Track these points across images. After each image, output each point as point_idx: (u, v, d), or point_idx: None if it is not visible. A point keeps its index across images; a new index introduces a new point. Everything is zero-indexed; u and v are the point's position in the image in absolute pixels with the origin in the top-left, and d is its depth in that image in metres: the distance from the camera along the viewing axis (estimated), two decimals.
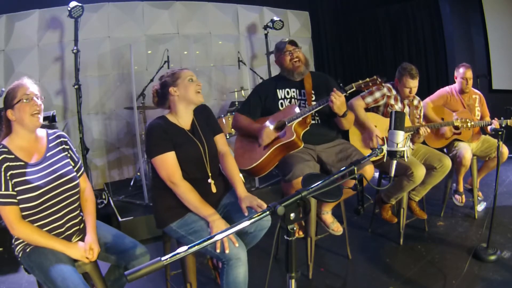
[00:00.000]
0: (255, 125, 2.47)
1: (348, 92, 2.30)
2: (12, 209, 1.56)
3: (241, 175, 2.25)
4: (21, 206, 1.58)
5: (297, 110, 2.38)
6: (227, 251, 1.66)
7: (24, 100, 1.63)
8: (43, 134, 1.77)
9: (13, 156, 1.60)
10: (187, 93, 1.92)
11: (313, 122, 2.45)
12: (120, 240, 1.81)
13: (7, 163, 1.57)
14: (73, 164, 1.79)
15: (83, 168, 1.87)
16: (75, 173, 1.77)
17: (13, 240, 1.67)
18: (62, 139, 1.81)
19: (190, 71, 2.00)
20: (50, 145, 1.75)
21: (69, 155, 1.80)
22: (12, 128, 1.66)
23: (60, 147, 1.78)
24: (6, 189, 1.56)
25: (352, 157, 2.35)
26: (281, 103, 2.52)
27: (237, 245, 1.70)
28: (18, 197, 1.58)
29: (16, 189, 1.57)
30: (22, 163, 1.62)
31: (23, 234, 1.59)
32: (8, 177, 1.56)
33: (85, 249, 1.66)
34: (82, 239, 1.73)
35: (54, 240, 1.62)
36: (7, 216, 1.56)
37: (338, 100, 2.23)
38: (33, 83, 1.71)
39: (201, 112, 2.05)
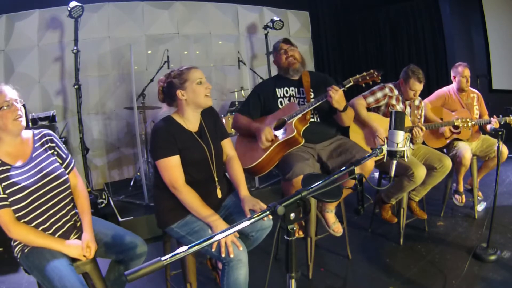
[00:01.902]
0: (255, 125, 2.47)
1: (346, 86, 2.31)
2: (5, 212, 1.57)
3: None
4: (12, 208, 1.58)
5: (296, 107, 2.39)
6: (231, 255, 1.65)
7: (5, 107, 1.61)
8: (29, 136, 1.76)
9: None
10: (195, 98, 1.87)
11: (312, 120, 2.45)
12: (119, 239, 1.80)
13: None
14: (60, 161, 1.78)
15: (72, 164, 1.84)
16: (62, 170, 1.75)
17: (12, 241, 1.67)
18: (47, 137, 1.79)
19: (198, 71, 1.93)
20: (36, 145, 1.75)
21: (55, 152, 1.79)
22: None
23: (46, 146, 1.77)
24: None
25: (351, 151, 2.35)
26: (280, 102, 2.52)
27: (241, 248, 1.70)
28: (8, 200, 1.58)
29: (5, 193, 1.58)
30: (8, 166, 1.62)
31: (19, 235, 1.59)
32: None
33: (82, 247, 1.66)
34: (79, 237, 1.73)
35: (50, 240, 1.63)
36: (1, 219, 1.56)
37: (336, 94, 2.24)
38: (12, 89, 1.68)
39: (209, 115, 2.02)
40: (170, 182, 1.80)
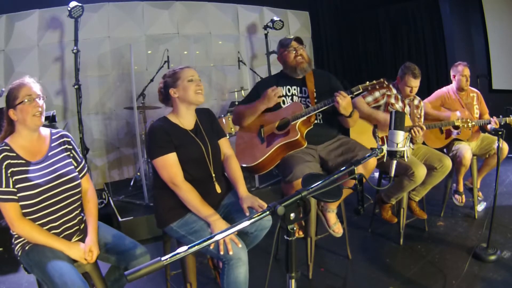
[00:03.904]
0: (257, 101, 2.44)
1: (355, 93, 2.29)
2: (12, 206, 1.57)
3: None
4: (20, 203, 1.59)
5: (301, 107, 2.37)
6: (230, 253, 1.66)
7: (26, 101, 1.63)
8: (46, 134, 1.78)
9: (14, 154, 1.62)
10: (186, 95, 1.91)
11: (315, 121, 2.44)
12: (120, 241, 1.81)
13: (8, 161, 1.59)
14: (75, 164, 1.80)
15: (86, 169, 1.87)
16: (76, 173, 1.77)
17: (13, 239, 1.67)
18: (65, 139, 1.81)
19: (191, 69, 1.96)
20: (53, 145, 1.76)
21: (71, 155, 1.81)
22: (15, 127, 1.68)
23: (63, 147, 1.79)
24: (7, 186, 1.57)
25: (353, 149, 2.34)
26: (283, 101, 2.51)
27: (240, 246, 1.70)
28: (18, 195, 1.59)
29: (16, 187, 1.59)
30: (23, 161, 1.63)
31: (23, 231, 1.59)
32: (9, 174, 1.58)
33: (85, 251, 1.66)
34: (82, 240, 1.73)
35: (54, 239, 1.63)
36: (7, 213, 1.57)
37: (343, 101, 2.22)
38: (35, 82, 1.71)
39: (206, 115, 2.05)
40: (170, 179, 1.81)
